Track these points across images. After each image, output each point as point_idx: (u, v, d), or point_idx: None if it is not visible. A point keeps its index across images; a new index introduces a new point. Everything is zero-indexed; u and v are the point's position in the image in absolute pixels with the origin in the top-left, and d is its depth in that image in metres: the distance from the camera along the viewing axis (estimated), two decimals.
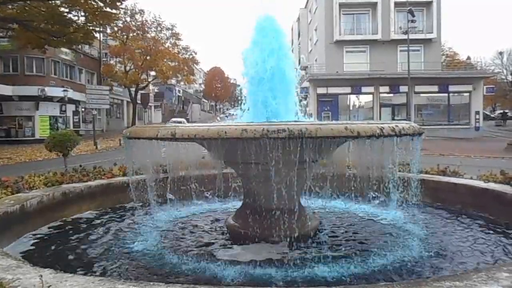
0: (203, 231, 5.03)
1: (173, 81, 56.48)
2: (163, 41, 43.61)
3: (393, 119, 29.89)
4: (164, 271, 3.68)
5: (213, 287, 3.16)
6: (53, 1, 19.98)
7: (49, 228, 5.04)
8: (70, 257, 4.13)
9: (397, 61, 33.12)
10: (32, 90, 29.64)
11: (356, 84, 31.22)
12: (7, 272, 2.65)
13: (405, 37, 27.14)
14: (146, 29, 42.51)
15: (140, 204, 5.35)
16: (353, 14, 34.94)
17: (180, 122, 28.79)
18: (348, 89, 31.51)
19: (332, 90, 31.21)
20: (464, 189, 5.87)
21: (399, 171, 5.54)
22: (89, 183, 6.24)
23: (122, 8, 26.87)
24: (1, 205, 4.58)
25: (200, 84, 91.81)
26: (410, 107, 27.88)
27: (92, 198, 6.04)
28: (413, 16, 26.39)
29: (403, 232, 4.82)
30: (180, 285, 2.60)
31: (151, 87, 54.14)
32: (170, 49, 43.22)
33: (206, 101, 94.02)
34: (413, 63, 27.64)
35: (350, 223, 5.30)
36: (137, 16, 41.60)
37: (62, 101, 30.08)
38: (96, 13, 19.88)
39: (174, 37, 44.28)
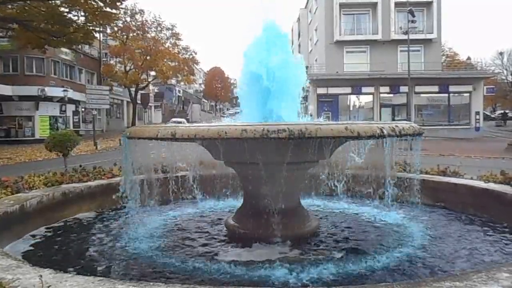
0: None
1: (173, 81, 56.49)
2: (163, 41, 43.62)
3: (393, 119, 29.87)
4: (164, 271, 3.67)
5: (213, 287, 3.15)
6: (53, 1, 19.98)
7: (49, 228, 5.03)
8: (70, 257, 4.13)
9: (397, 61, 33.13)
10: (32, 90, 29.64)
11: (356, 84, 31.22)
12: (7, 272, 2.65)
13: (405, 37, 27.16)
14: (146, 29, 42.52)
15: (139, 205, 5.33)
16: (353, 14, 34.96)
17: (180, 122, 28.76)
18: (348, 89, 31.51)
19: (332, 90, 31.22)
20: (464, 189, 5.86)
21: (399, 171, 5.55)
22: (89, 183, 6.23)
23: (122, 8, 26.90)
24: (1, 205, 4.58)
25: (200, 84, 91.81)
26: (410, 107, 27.88)
27: (92, 198, 6.03)
28: (413, 16, 26.39)
29: (403, 232, 4.82)
30: (180, 285, 2.60)
31: (151, 87, 54.14)
32: (170, 49, 43.22)
33: (206, 101, 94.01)
34: (413, 63, 27.65)
35: (350, 224, 5.29)
36: (137, 16, 41.66)
37: (62, 101, 30.09)
38: (96, 13, 19.88)
39: (174, 37, 44.29)
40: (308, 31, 45.46)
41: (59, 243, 4.55)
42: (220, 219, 5.36)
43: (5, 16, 19.93)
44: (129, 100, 44.95)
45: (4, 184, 5.44)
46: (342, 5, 33.96)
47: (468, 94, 31.31)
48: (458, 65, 41.03)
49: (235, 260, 3.83)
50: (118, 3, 20.37)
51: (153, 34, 42.81)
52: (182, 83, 57.18)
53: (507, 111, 50.57)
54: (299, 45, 49.89)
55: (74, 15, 21.29)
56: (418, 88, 30.39)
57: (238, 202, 5.37)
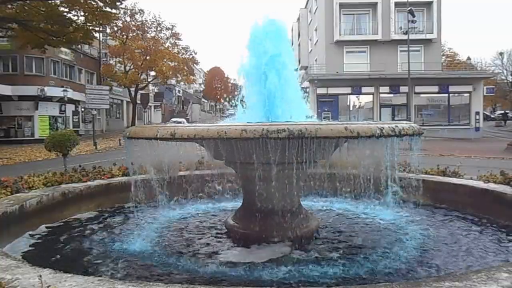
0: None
1: (173, 81, 56.44)
2: (163, 41, 43.57)
3: (393, 119, 29.85)
4: (163, 271, 3.67)
5: (213, 287, 3.15)
6: (52, 1, 19.99)
7: (48, 228, 5.02)
8: (70, 257, 4.13)
9: (397, 62, 33.13)
10: (31, 90, 29.61)
11: (356, 84, 31.21)
12: (6, 272, 2.65)
13: (405, 37, 27.14)
14: (146, 29, 42.49)
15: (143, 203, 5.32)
16: (353, 14, 34.95)
17: (180, 122, 28.76)
18: (348, 90, 31.50)
19: (332, 90, 31.21)
20: (464, 189, 5.86)
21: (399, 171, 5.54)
22: (89, 183, 6.23)
23: (121, 8, 26.90)
24: (0, 205, 4.58)
25: (200, 84, 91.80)
26: (410, 107, 27.88)
27: (92, 198, 6.03)
28: (413, 16, 26.39)
29: (402, 232, 4.82)
30: (180, 285, 2.60)
31: (150, 87, 54.12)
32: (170, 49, 43.17)
33: (206, 101, 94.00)
34: (413, 63, 27.65)
35: (350, 224, 5.29)
36: (137, 16, 41.60)
37: (61, 101, 30.05)
38: (96, 12, 19.90)
39: (174, 37, 44.26)
40: (308, 31, 45.46)
41: (59, 243, 4.54)
42: None
43: (5, 16, 19.94)
44: (128, 100, 44.93)
45: (4, 184, 5.44)
46: (342, 5, 33.95)
47: (468, 94, 31.31)
48: (458, 65, 41.10)
49: (235, 260, 3.83)
50: (117, 3, 20.37)
51: (152, 34, 42.77)
52: (182, 83, 57.21)
53: (507, 111, 50.61)
54: (299, 45, 49.86)
55: (74, 15, 21.30)
56: (418, 88, 30.38)
57: None
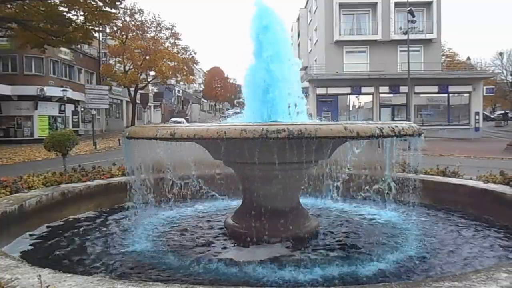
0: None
1: (173, 81, 56.43)
2: (163, 41, 43.56)
3: (392, 119, 29.85)
4: (163, 270, 3.67)
5: (213, 287, 3.15)
6: (52, 1, 19.99)
7: (47, 228, 5.02)
8: (69, 257, 4.12)
9: (397, 62, 33.14)
10: (31, 90, 29.58)
11: (356, 84, 31.21)
12: (5, 272, 2.64)
13: (405, 37, 27.16)
14: (146, 28, 42.46)
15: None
16: (353, 14, 34.96)
17: (179, 122, 28.75)
18: (348, 90, 31.50)
19: (332, 90, 31.20)
20: (463, 189, 5.86)
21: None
22: (88, 183, 6.22)
23: (121, 8, 26.94)
24: (0, 205, 4.57)
25: (199, 84, 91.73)
26: (410, 107, 27.89)
27: (91, 198, 6.02)
28: (413, 16, 26.41)
29: (401, 232, 4.82)
30: (180, 285, 2.59)
31: (150, 87, 54.09)
32: (170, 49, 43.16)
33: (206, 101, 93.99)
34: (413, 63, 27.66)
35: (350, 224, 5.29)
36: (137, 16, 41.57)
37: (61, 101, 30.02)
38: (95, 12, 19.90)
39: (173, 37, 44.24)
40: (308, 31, 45.47)
41: (58, 242, 4.54)
42: None
43: (4, 16, 19.93)
44: (128, 100, 44.91)
45: (3, 184, 5.43)
46: (342, 5, 33.96)
47: (467, 95, 31.31)
48: (457, 65, 41.11)
49: (234, 259, 3.82)
50: (117, 3, 20.38)
51: (152, 34, 42.75)
52: (181, 83, 57.21)
53: (507, 112, 50.64)
54: (299, 45, 49.88)
55: (73, 15, 21.30)
56: (417, 88, 30.39)
57: None
